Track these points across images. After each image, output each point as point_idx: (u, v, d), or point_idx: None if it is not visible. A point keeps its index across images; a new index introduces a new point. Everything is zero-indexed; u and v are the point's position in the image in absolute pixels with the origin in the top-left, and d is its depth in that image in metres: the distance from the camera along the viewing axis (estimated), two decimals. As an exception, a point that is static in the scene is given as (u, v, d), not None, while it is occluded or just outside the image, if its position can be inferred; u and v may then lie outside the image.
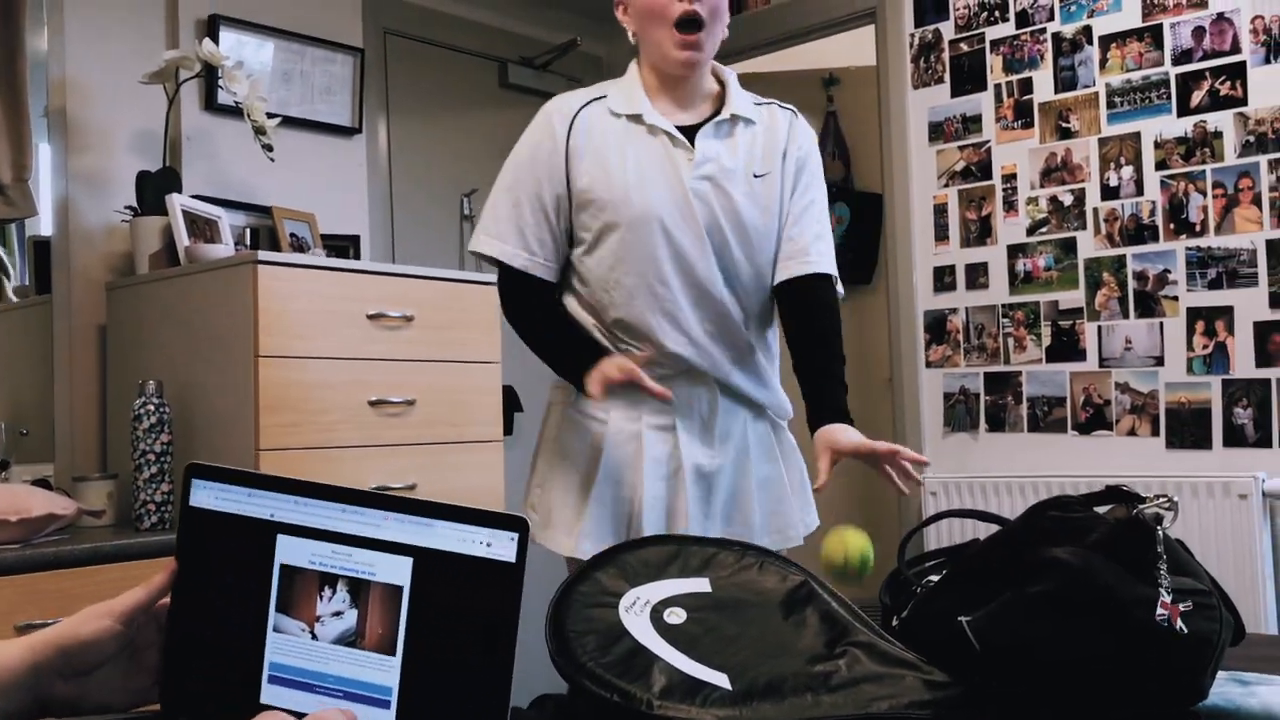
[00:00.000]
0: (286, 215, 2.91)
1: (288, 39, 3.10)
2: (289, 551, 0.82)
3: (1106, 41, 3.04)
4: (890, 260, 3.48)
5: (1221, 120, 2.84)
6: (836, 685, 0.93)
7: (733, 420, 1.85)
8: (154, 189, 2.59)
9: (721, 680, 0.93)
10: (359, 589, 0.80)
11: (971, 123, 3.29)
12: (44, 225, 2.66)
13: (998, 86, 3.24)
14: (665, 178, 1.76)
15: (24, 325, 2.74)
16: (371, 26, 3.38)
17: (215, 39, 2.85)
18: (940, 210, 3.35)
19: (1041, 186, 3.15)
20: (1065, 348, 3.11)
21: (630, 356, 1.74)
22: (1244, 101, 2.81)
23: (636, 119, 1.79)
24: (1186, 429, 2.90)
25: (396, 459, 2.44)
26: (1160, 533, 0.91)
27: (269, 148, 2.67)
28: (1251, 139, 2.80)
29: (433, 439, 2.51)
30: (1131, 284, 2.99)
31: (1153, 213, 2.95)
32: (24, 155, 2.52)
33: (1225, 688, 0.97)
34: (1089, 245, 3.06)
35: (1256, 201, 2.79)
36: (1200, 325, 2.87)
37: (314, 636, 0.80)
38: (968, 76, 3.30)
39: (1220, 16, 2.85)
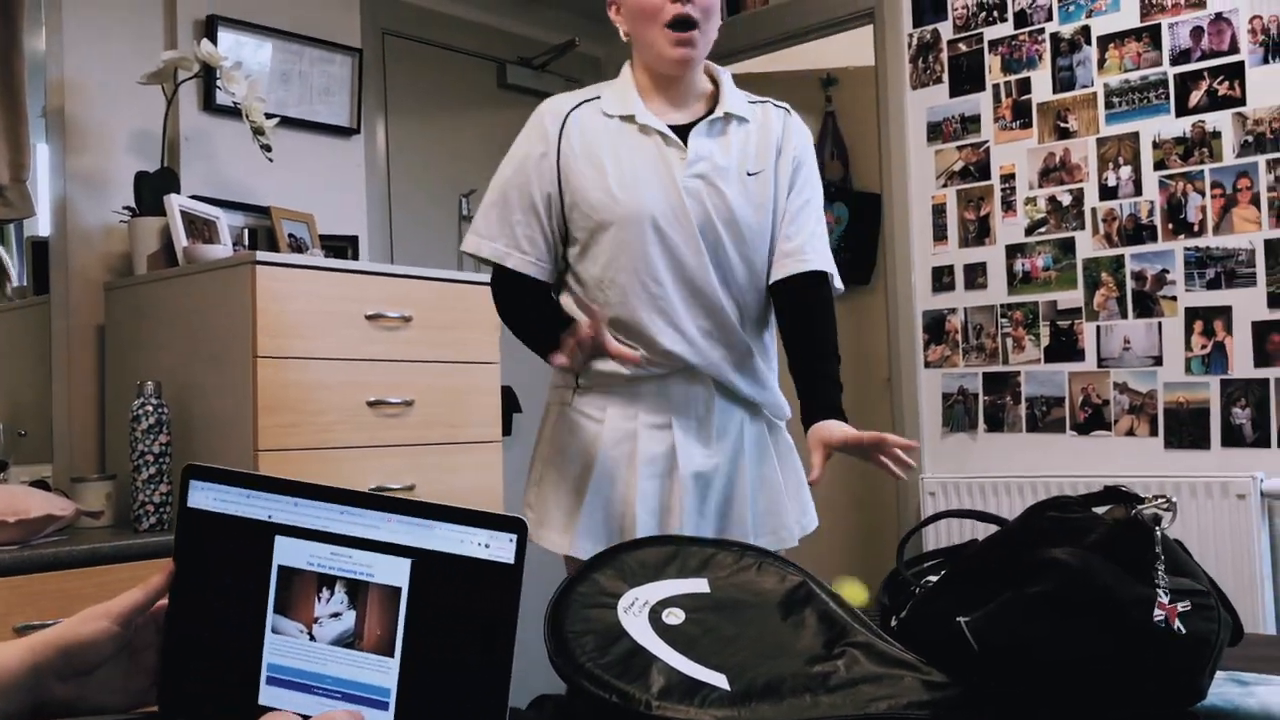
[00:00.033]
0: (285, 216, 2.91)
1: (286, 39, 3.10)
2: (287, 553, 0.82)
3: (1105, 42, 3.04)
4: (889, 260, 3.48)
5: (1220, 120, 2.84)
6: (835, 686, 0.93)
7: (729, 420, 1.85)
8: (152, 189, 2.59)
9: (720, 681, 0.93)
10: (357, 590, 0.80)
11: (970, 123, 3.29)
12: (42, 226, 2.66)
13: (996, 87, 3.24)
14: (658, 177, 1.76)
15: (22, 326, 2.74)
16: (370, 27, 3.38)
17: (214, 39, 2.85)
18: (939, 210, 3.35)
19: (1040, 186, 3.15)
20: (1064, 348, 3.11)
21: (625, 356, 1.73)
22: (1242, 101, 2.81)
23: (629, 119, 1.79)
24: (1185, 429, 2.90)
25: (395, 459, 2.44)
26: (1158, 533, 0.92)
27: (267, 148, 2.67)
28: (1250, 139, 2.80)
29: (431, 439, 2.51)
30: (1130, 284, 2.99)
31: (1151, 213, 2.95)
32: (22, 155, 2.52)
33: (1223, 688, 0.97)
34: (1087, 245, 3.06)
35: (1255, 201, 2.79)
36: (1199, 325, 2.88)
37: (312, 638, 0.80)
38: (966, 76, 3.30)
39: (1218, 16, 2.85)
